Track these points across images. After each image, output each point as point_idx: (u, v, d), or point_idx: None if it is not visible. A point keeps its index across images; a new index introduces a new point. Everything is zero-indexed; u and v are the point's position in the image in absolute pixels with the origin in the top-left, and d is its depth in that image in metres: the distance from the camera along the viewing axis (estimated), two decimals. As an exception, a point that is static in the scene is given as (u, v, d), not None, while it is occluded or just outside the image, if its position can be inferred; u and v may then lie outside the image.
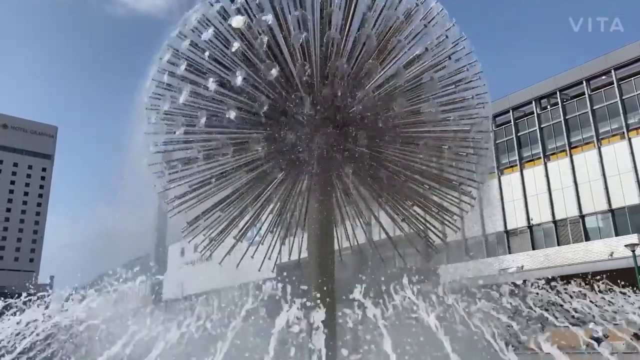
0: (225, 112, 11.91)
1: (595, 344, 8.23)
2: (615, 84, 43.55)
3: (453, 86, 13.17)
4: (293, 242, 16.85)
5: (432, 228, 15.36)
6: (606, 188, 42.08)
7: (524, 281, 12.46)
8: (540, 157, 47.64)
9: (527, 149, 49.21)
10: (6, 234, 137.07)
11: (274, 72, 11.52)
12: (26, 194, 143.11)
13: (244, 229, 15.09)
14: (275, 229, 15.56)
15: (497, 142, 49.43)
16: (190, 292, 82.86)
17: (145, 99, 13.01)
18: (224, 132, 12.96)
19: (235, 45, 11.75)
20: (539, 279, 12.50)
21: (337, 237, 14.94)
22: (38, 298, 11.24)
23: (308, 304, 9.14)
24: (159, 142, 13.14)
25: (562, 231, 44.49)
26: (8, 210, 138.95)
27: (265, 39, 11.45)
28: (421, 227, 14.94)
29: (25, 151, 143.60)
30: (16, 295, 11.66)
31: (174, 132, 13.03)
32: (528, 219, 46.46)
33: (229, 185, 13.79)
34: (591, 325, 11.99)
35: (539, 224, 45.99)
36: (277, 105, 12.41)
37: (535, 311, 11.13)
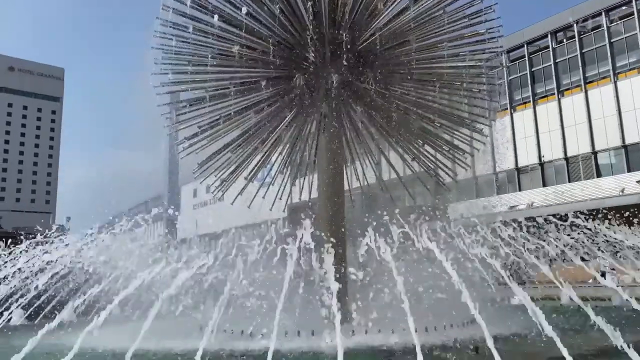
0: (230, 50, 11.70)
1: (602, 278, 8.36)
2: (635, 15, 41.83)
3: (466, 20, 12.72)
4: (303, 183, 16.95)
5: (443, 166, 15.33)
6: (620, 124, 41.36)
7: (533, 218, 12.54)
8: (554, 93, 46.60)
9: (540, 84, 48.08)
10: (21, 177, 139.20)
11: (280, 6, 11.19)
12: (37, 136, 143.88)
13: (255, 170, 15.17)
14: (285, 170, 15.62)
15: (510, 78, 48.32)
16: (204, 231, 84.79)
17: (152, 38, 12.75)
18: (231, 72, 12.77)
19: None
20: (549, 216, 12.57)
21: (347, 177, 15.00)
22: (57, 237, 11.55)
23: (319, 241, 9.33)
24: (166, 83, 13.00)
25: (574, 168, 44.24)
26: (21, 153, 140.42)
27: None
28: (431, 166, 14.92)
29: (34, 94, 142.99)
30: (37, 234, 11.99)
31: (181, 72, 12.87)
32: (539, 156, 46.12)
33: (238, 127, 13.74)
34: (598, 260, 12.14)
35: (550, 161, 45.68)
36: (285, 43, 12.13)
37: (543, 246, 11.27)
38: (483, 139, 15.14)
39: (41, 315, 11.38)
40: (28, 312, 11.60)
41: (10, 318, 9.91)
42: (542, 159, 45.99)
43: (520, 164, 47.51)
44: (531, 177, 46.72)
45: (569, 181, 43.78)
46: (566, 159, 44.86)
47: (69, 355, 4.28)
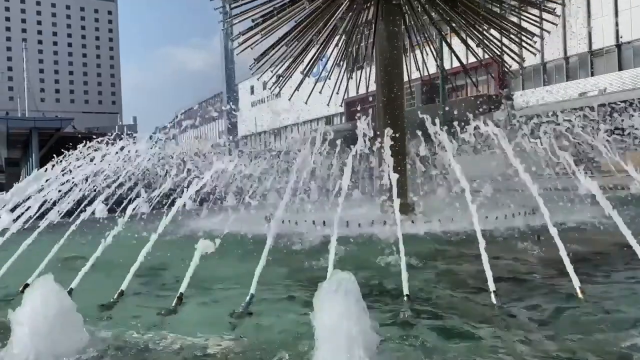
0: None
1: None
2: None
3: None
4: (360, 76, 16.59)
5: (509, 52, 14.49)
6: None
7: (606, 104, 11.86)
8: (639, -37, 41.65)
9: (625, -48, 42.93)
10: (87, 79, 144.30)
11: None
12: (97, 38, 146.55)
13: (310, 64, 14.91)
14: (341, 63, 15.26)
15: (589, -53, 43.31)
16: (263, 128, 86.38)
17: None
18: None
19: None
20: (623, 102, 11.83)
21: (407, 68, 14.50)
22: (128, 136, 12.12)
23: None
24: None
25: (656, 48, 40.54)
26: (84, 55, 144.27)
27: None
28: (497, 52, 14.12)
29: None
30: (112, 133, 12.70)
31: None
32: (617, 36, 42.33)
33: (292, 18, 13.30)
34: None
35: (629, 42, 41.87)
36: None
37: (613, 133, 10.76)
38: (554, 19, 14.04)
39: (120, 209, 12.29)
40: (109, 206, 12.59)
41: (94, 211, 10.81)
42: (620, 39, 42.25)
43: (594, 47, 43.99)
44: (606, 61, 43.32)
45: (649, 63, 40.42)
46: (648, 38, 41.04)
47: (152, 238, 4.88)
